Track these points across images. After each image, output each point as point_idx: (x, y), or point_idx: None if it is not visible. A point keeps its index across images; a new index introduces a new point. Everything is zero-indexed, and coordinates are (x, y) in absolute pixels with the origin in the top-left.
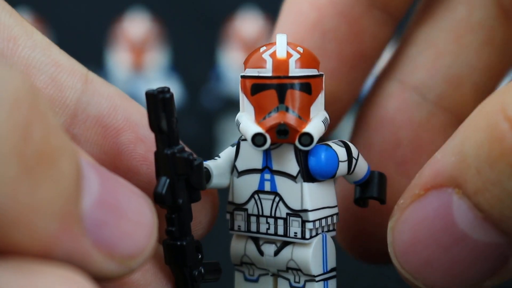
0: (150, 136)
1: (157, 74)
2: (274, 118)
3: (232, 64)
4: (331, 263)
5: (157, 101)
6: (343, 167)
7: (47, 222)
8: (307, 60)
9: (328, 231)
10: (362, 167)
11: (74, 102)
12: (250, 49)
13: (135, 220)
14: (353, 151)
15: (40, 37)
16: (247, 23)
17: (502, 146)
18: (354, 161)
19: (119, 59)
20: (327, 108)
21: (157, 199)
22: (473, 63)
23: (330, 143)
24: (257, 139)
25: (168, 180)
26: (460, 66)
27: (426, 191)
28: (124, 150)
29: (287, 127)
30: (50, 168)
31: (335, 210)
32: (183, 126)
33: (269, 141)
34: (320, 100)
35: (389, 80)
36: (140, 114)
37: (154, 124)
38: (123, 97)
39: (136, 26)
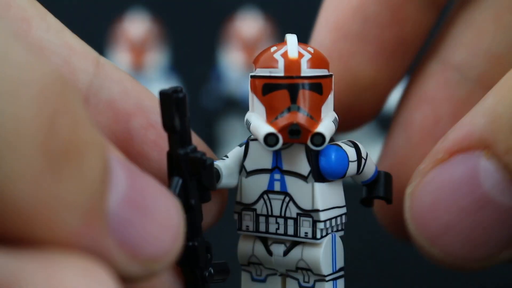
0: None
1: (157, 74)
2: (286, 118)
3: (232, 64)
4: (340, 262)
5: (171, 101)
6: (352, 167)
7: (69, 218)
8: (318, 60)
9: (337, 230)
10: (370, 167)
11: (86, 85)
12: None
13: (161, 222)
14: (362, 151)
15: (53, 19)
16: (247, 23)
17: None
18: (363, 161)
19: (119, 59)
20: (367, 93)
21: None
22: None
23: (340, 143)
24: (270, 139)
25: (181, 180)
26: (500, 46)
27: (450, 155)
28: (135, 135)
29: (300, 127)
30: (76, 163)
31: (344, 210)
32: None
33: (281, 141)
34: (330, 100)
35: (430, 60)
36: (151, 100)
37: (167, 123)
38: (134, 82)
39: (136, 26)
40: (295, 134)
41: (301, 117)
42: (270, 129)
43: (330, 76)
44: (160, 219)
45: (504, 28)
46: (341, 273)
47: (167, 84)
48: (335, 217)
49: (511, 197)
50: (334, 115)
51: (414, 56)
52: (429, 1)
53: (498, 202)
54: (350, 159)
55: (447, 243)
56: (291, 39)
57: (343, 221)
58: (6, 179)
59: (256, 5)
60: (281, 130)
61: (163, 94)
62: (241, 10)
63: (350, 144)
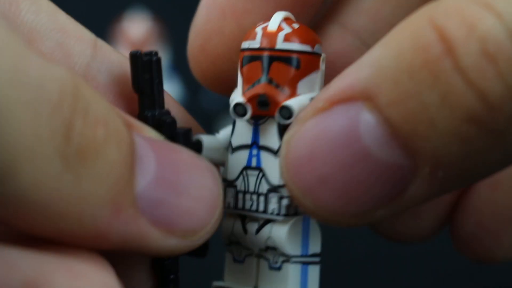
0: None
1: None
2: (255, 89)
3: None
4: (314, 247)
5: (139, 63)
6: None
7: (96, 211)
8: (300, 35)
9: None
10: None
11: (83, 68)
12: None
13: (197, 196)
14: None
15: (45, 1)
16: None
17: (426, 55)
18: None
19: None
20: None
21: None
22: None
23: None
24: (238, 109)
25: None
26: (400, 15)
27: (331, 105)
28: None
29: (267, 98)
30: (95, 160)
31: None
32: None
33: (249, 111)
34: (313, 79)
35: (329, 22)
36: None
37: (135, 84)
38: None
39: (136, 25)
40: (263, 105)
41: (270, 89)
42: (239, 99)
43: (314, 54)
44: (194, 193)
45: None
46: (315, 259)
47: (167, 84)
48: None
49: (390, 153)
50: (313, 95)
51: (312, 16)
52: None
53: (377, 157)
54: None
55: (321, 196)
56: (278, 14)
57: None
58: (30, 186)
59: None
60: (249, 100)
61: (133, 56)
62: None
63: None
